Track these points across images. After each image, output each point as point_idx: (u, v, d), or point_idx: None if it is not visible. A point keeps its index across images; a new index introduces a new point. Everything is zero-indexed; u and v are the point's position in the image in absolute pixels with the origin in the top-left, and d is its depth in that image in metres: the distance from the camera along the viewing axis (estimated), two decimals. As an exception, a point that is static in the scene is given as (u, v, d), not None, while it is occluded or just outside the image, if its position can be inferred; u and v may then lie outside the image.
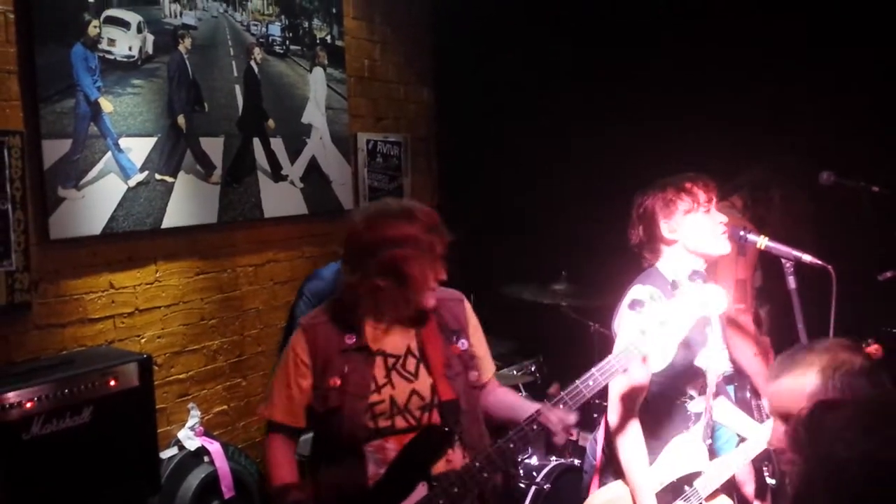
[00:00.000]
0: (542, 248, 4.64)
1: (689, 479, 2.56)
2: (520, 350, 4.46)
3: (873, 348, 2.75)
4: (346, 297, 2.39)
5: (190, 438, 3.65)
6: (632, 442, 2.53)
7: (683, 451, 2.59)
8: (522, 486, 3.72)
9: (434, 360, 2.38)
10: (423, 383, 2.36)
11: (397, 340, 2.40)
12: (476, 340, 2.53)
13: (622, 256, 2.79)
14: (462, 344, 2.45)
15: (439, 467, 2.33)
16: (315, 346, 2.37)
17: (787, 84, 3.97)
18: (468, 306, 2.56)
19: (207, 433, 3.78)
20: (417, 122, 5.49)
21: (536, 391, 4.11)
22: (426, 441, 2.34)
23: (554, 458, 3.90)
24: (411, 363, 2.38)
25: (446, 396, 2.35)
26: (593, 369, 2.27)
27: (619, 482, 2.61)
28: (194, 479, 3.56)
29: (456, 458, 2.37)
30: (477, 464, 2.28)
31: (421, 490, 2.27)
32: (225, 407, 4.10)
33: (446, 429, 2.35)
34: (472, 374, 2.46)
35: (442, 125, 5.61)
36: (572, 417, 2.25)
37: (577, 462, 3.79)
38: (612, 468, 2.66)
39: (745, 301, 3.20)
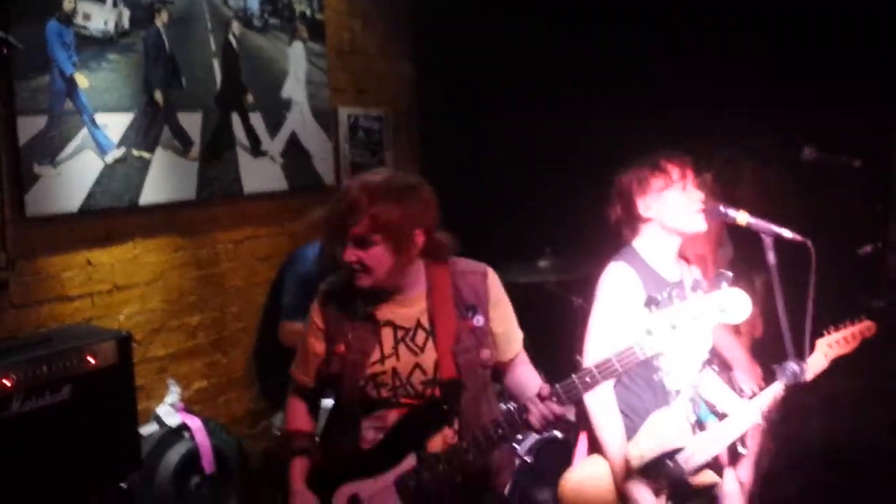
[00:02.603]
0: (526, 223, 4.63)
1: (671, 454, 2.58)
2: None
3: (865, 325, 2.76)
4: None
5: (170, 414, 3.63)
6: (608, 418, 2.55)
7: (664, 426, 2.61)
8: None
9: (442, 335, 2.34)
10: (429, 358, 2.34)
11: (408, 312, 2.38)
12: (497, 316, 2.46)
13: (606, 229, 2.79)
14: (477, 320, 2.39)
15: (436, 444, 2.35)
16: (328, 311, 2.44)
17: (765, 61, 3.99)
18: (492, 280, 2.48)
19: (188, 409, 3.77)
20: (399, 97, 5.45)
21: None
22: (422, 415, 2.35)
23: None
24: (420, 336, 2.36)
25: (448, 374, 2.33)
26: (591, 366, 2.20)
27: (598, 457, 2.63)
28: (175, 454, 3.55)
29: (454, 436, 2.38)
30: (464, 444, 2.29)
31: (410, 461, 2.31)
32: (205, 383, 4.08)
33: (444, 406, 2.34)
34: (484, 351, 2.40)
35: (423, 99, 5.57)
36: (559, 411, 2.18)
37: (560, 435, 3.80)
38: (591, 444, 2.68)
39: (707, 276, 3.21)
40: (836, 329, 2.72)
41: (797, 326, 2.42)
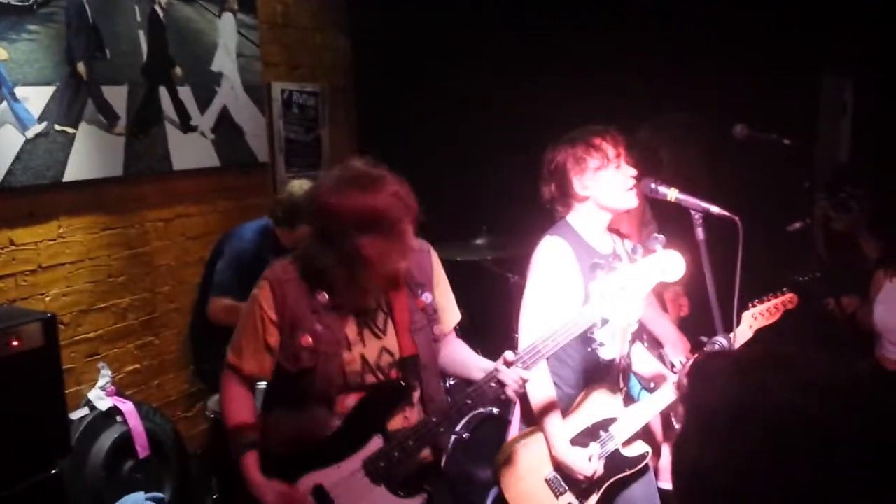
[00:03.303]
0: (463, 201, 4.62)
1: (604, 424, 2.64)
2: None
3: (787, 298, 2.84)
4: (316, 261, 2.28)
5: (101, 398, 3.55)
6: (540, 389, 2.57)
7: (599, 397, 2.65)
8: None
9: (399, 315, 2.36)
10: (392, 339, 2.35)
11: (368, 294, 2.35)
12: (440, 291, 2.49)
13: (541, 207, 2.80)
14: (426, 297, 2.42)
15: (397, 423, 2.36)
16: (283, 303, 2.28)
17: (694, 39, 4.04)
18: (434, 256, 2.51)
19: (120, 393, 3.69)
20: (334, 71, 5.36)
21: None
22: (381, 395, 2.34)
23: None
24: (381, 318, 2.36)
25: (408, 352, 2.35)
26: (553, 330, 2.27)
27: (533, 430, 2.66)
28: (107, 439, 3.49)
29: (413, 413, 2.40)
30: (433, 419, 2.30)
31: (376, 443, 2.30)
32: (137, 366, 4.00)
33: (402, 384, 2.35)
34: (436, 328, 2.44)
35: (360, 74, 5.49)
36: (528, 375, 2.25)
37: (496, 411, 3.84)
38: (525, 418, 2.70)
39: None
40: (760, 302, 2.81)
41: (725, 303, 2.47)
